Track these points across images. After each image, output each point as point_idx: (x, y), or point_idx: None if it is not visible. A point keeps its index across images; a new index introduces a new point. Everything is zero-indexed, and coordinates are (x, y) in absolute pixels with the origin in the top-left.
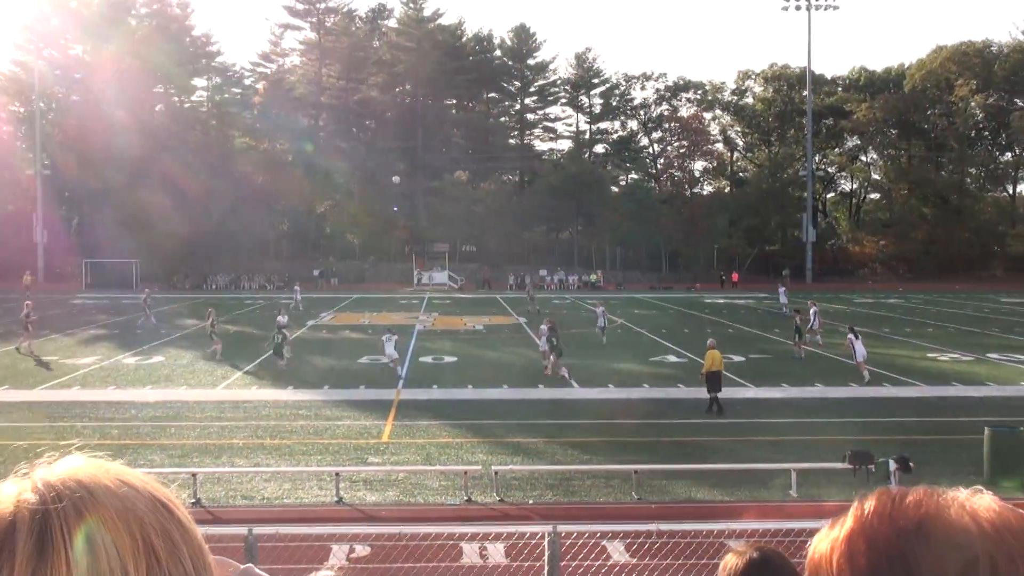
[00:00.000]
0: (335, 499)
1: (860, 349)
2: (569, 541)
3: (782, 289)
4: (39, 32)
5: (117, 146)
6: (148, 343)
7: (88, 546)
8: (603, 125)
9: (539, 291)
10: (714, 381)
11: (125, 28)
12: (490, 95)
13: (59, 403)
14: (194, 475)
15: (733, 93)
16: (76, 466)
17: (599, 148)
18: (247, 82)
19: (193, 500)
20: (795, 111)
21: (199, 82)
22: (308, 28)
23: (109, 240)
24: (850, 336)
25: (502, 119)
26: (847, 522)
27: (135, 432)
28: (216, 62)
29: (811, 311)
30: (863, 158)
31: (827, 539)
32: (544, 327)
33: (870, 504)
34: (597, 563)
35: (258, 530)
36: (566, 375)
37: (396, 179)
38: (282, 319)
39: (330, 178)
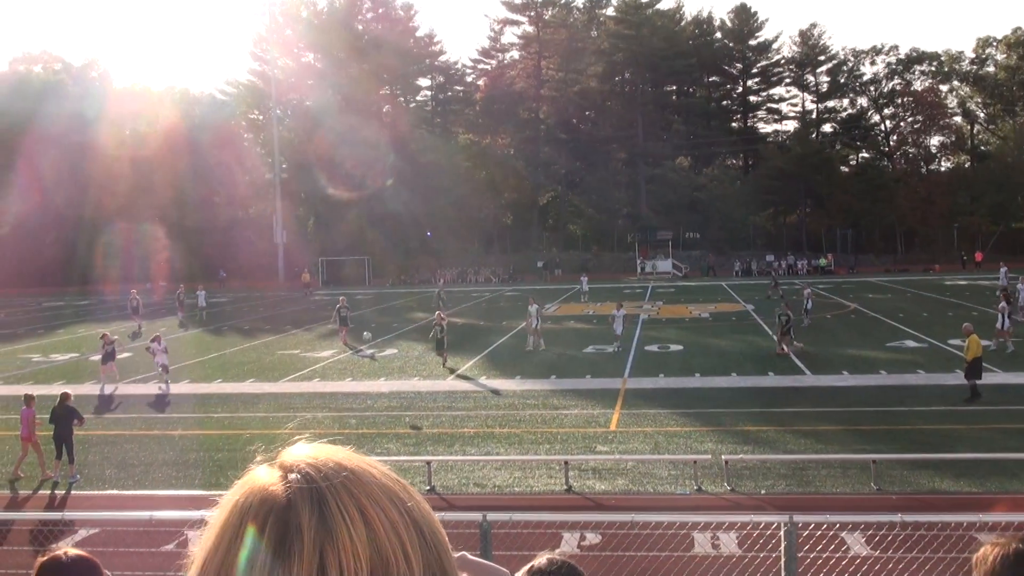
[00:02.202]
0: (564, 487)
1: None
2: (806, 532)
3: (1003, 269)
4: (274, 42)
5: (347, 148)
6: (382, 336)
7: (365, 520)
8: (831, 103)
9: (766, 276)
10: (977, 367)
11: (352, 33)
12: (711, 79)
13: (301, 394)
14: (428, 463)
15: (972, 62)
16: (328, 450)
17: (827, 127)
18: (468, 79)
19: (428, 487)
20: None
21: (423, 82)
22: (527, 22)
23: (342, 238)
24: (1003, 304)
25: (724, 103)
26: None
27: (371, 422)
28: (439, 61)
29: (1018, 287)
30: None
31: None
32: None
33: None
34: (837, 555)
35: (491, 516)
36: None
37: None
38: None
39: (552, 170)
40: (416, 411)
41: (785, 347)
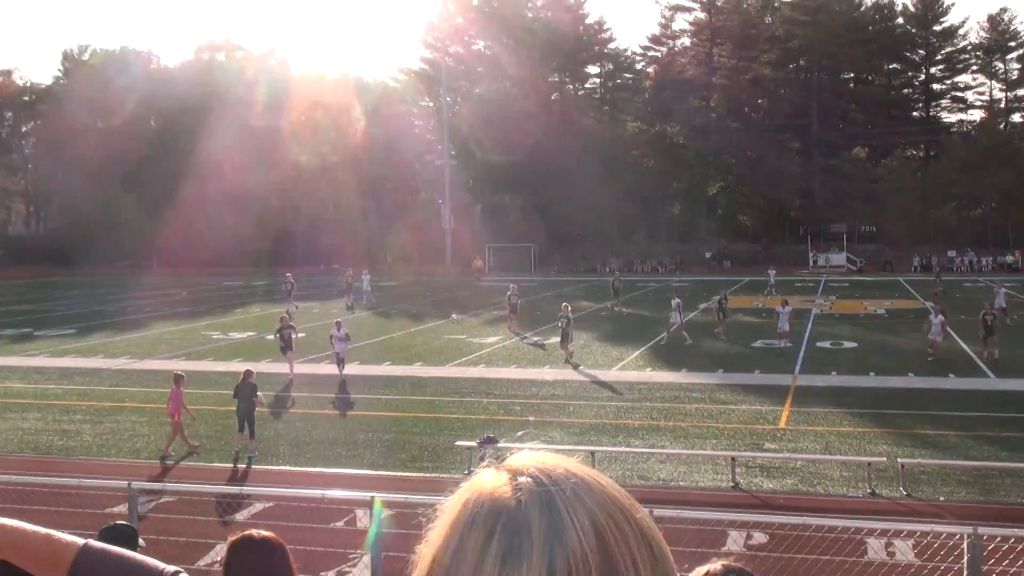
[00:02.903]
0: (731, 484)
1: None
2: (991, 545)
3: None
4: (445, 30)
5: (515, 135)
6: (547, 324)
7: (595, 529)
8: (1021, 92)
9: (947, 273)
10: None
11: (523, 21)
12: (891, 66)
13: (467, 379)
14: (592, 453)
15: None
16: (551, 457)
17: (1016, 117)
18: (638, 66)
19: None
20: None
21: (592, 69)
22: (698, 8)
23: (509, 225)
24: None
25: (904, 91)
26: None
27: (536, 409)
28: (608, 48)
29: None
30: None
31: None
32: (937, 318)
33: None
34: None
35: (658, 512)
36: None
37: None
38: (673, 302)
39: (722, 159)
40: (580, 400)
41: (993, 351)
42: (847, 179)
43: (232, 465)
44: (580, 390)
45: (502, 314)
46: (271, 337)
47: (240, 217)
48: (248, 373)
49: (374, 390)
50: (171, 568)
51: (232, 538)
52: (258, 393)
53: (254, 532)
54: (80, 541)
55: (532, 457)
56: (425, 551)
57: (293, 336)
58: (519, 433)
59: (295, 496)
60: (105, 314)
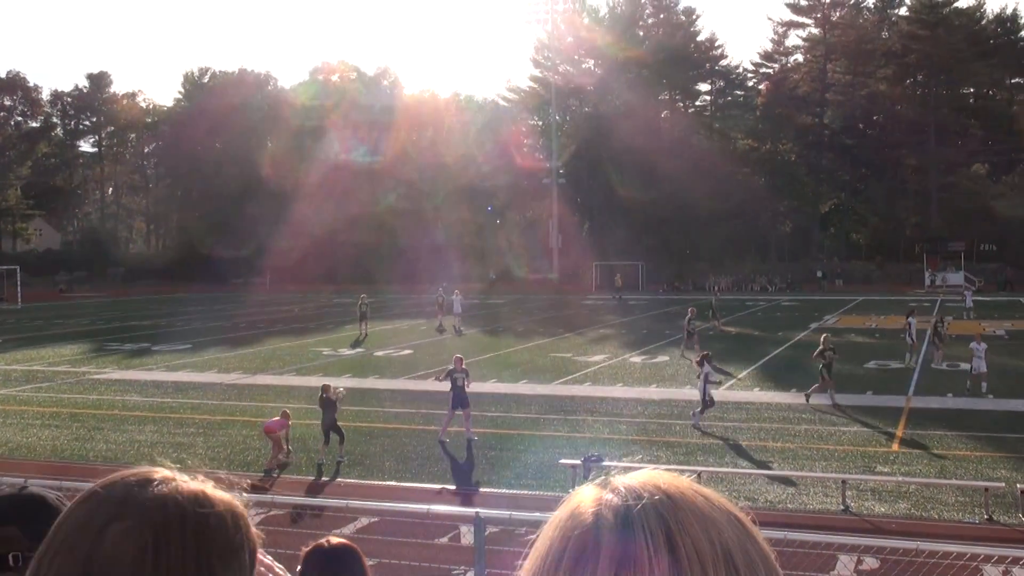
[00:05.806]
0: (841, 507)
1: None
2: None
3: None
4: (555, 49)
5: (625, 153)
6: (654, 343)
7: (669, 547)
8: None
9: None
10: None
11: (633, 40)
12: (1014, 80)
13: (571, 398)
14: (699, 474)
15: None
16: (655, 474)
17: None
18: (750, 83)
19: None
20: None
21: (703, 86)
22: (812, 24)
23: (616, 243)
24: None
25: None
26: None
27: (641, 428)
28: (719, 66)
29: None
30: None
31: None
32: None
33: None
34: None
35: (765, 534)
36: None
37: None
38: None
39: (835, 177)
40: (686, 420)
41: None
42: (966, 196)
43: (334, 479)
44: (688, 409)
45: (607, 333)
46: (443, 381)
47: (352, 234)
48: (325, 387)
49: (480, 407)
50: None
51: (306, 547)
52: (340, 388)
53: (325, 540)
54: None
55: (638, 475)
56: (525, 565)
57: (465, 383)
58: (636, 455)
59: (400, 511)
60: (219, 330)
